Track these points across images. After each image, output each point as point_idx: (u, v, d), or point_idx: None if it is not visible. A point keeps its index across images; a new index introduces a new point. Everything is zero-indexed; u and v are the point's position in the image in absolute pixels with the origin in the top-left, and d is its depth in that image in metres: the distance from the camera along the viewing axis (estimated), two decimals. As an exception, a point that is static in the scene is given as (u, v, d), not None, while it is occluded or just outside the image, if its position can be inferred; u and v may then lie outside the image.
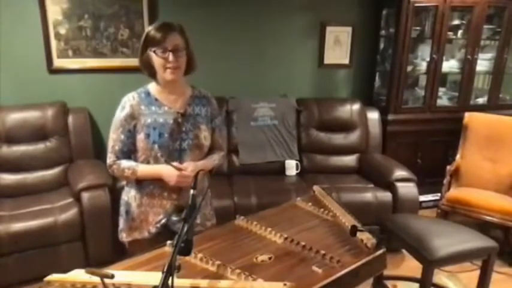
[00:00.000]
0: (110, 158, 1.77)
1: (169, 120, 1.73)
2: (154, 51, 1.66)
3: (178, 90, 1.78)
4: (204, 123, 1.80)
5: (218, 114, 1.91)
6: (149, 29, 1.71)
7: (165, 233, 1.73)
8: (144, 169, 1.73)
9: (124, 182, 1.88)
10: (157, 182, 1.74)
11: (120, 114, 1.75)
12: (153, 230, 1.78)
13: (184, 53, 1.69)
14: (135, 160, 1.77)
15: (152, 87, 1.79)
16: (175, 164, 1.68)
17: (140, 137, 1.72)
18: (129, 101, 1.75)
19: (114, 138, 1.76)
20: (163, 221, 1.77)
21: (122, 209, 1.86)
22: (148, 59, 1.70)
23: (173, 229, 1.74)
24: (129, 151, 1.77)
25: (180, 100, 1.78)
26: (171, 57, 1.64)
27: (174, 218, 1.75)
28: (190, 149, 1.75)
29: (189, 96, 1.81)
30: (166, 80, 1.71)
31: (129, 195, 1.82)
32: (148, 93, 1.77)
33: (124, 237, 1.85)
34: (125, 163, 1.74)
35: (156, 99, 1.76)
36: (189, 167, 1.69)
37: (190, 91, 1.83)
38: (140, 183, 1.78)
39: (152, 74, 1.74)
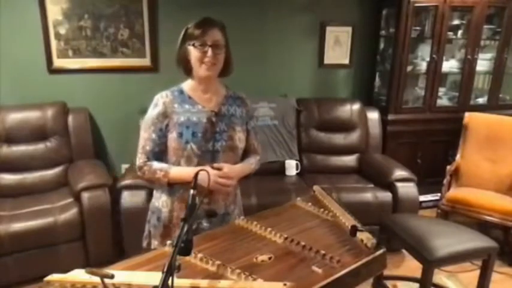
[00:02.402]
0: (140, 159, 1.68)
1: (203, 119, 1.66)
2: (193, 45, 1.61)
3: (213, 89, 1.72)
4: (238, 124, 1.73)
5: (253, 116, 1.85)
6: (189, 25, 1.65)
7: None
8: (177, 171, 1.64)
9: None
10: (188, 186, 1.68)
11: (152, 112, 1.67)
12: None
13: (223, 52, 1.64)
14: (166, 162, 1.70)
15: (186, 85, 1.73)
16: (216, 165, 1.62)
17: (172, 136, 1.65)
18: (161, 99, 1.68)
19: (145, 138, 1.68)
20: (194, 226, 1.68)
21: (153, 216, 1.78)
22: (185, 53, 1.64)
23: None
24: (160, 152, 1.69)
25: (215, 99, 1.72)
26: (209, 52, 1.59)
27: (205, 224, 1.70)
28: (223, 151, 1.68)
29: (224, 96, 1.75)
30: (201, 77, 1.65)
31: (160, 200, 1.75)
32: (181, 91, 1.71)
33: (155, 245, 1.76)
34: (157, 165, 1.67)
35: (190, 98, 1.69)
36: (225, 167, 1.63)
37: (224, 91, 1.77)
38: (171, 187, 1.70)
39: (188, 71, 1.68)
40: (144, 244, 1.82)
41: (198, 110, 1.68)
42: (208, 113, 1.68)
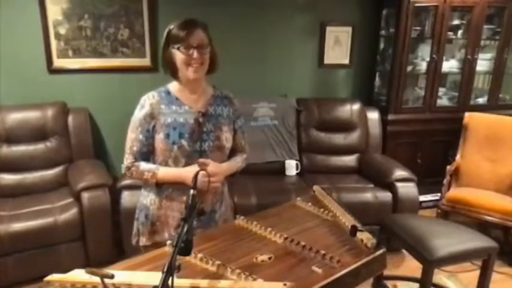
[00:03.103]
0: (127, 160, 1.70)
1: (190, 120, 1.67)
2: (178, 48, 1.61)
3: (200, 90, 1.73)
4: (226, 124, 1.75)
5: (240, 115, 1.86)
6: (171, 26, 1.65)
7: None
8: (165, 172, 1.67)
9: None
10: (176, 185, 1.68)
11: (139, 113, 1.68)
12: (173, 233, 1.71)
13: (208, 51, 1.65)
14: (153, 162, 1.72)
15: (173, 86, 1.73)
16: (202, 160, 1.62)
17: (159, 137, 1.66)
18: (148, 100, 1.69)
19: (132, 138, 1.70)
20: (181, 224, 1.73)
21: (139, 213, 1.80)
22: (170, 56, 1.64)
23: (193, 233, 1.69)
24: (148, 152, 1.71)
25: (202, 100, 1.73)
26: (195, 54, 1.60)
27: (194, 222, 1.72)
28: (211, 151, 1.69)
29: (211, 96, 1.76)
30: (189, 79, 1.66)
31: (148, 198, 1.76)
32: (168, 92, 1.71)
33: (143, 241, 1.78)
34: (144, 165, 1.68)
35: (177, 99, 1.70)
36: (211, 164, 1.63)
37: (211, 91, 1.78)
38: (159, 186, 1.72)
39: (174, 73, 1.69)
40: (134, 242, 1.84)
41: (185, 111, 1.69)
42: (195, 114, 1.69)
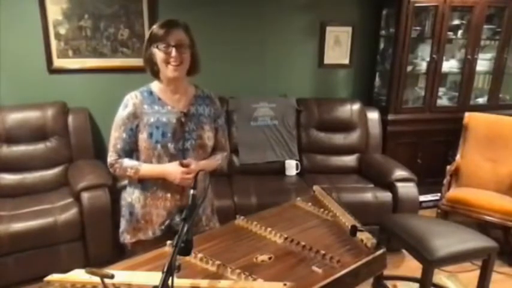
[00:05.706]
0: (111, 157, 1.75)
1: (173, 119, 1.71)
2: (157, 47, 1.65)
3: (182, 90, 1.77)
4: (207, 123, 1.79)
5: (221, 114, 1.91)
6: (154, 26, 1.69)
7: (169, 233, 1.72)
8: (147, 168, 1.71)
9: (126, 182, 1.87)
10: (161, 183, 1.73)
11: (123, 112, 1.74)
12: (158, 231, 1.77)
13: (188, 51, 1.68)
14: (137, 160, 1.76)
15: (155, 86, 1.77)
16: (185, 161, 1.68)
17: (143, 136, 1.71)
18: (131, 99, 1.74)
19: (116, 136, 1.74)
20: (167, 222, 1.77)
21: (125, 211, 1.84)
22: (151, 55, 1.69)
23: (177, 230, 1.73)
24: (130, 150, 1.75)
25: (183, 100, 1.77)
26: (173, 52, 1.63)
27: (178, 219, 1.74)
28: (193, 149, 1.74)
29: (192, 95, 1.80)
30: (169, 77, 1.69)
31: (133, 196, 1.80)
32: (151, 92, 1.76)
33: (128, 238, 1.82)
34: (128, 162, 1.73)
35: (159, 99, 1.74)
36: (192, 164, 1.68)
37: (193, 91, 1.81)
38: (144, 184, 1.76)
39: (155, 72, 1.73)
40: (121, 239, 1.86)
41: (168, 111, 1.73)
42: (177, 114, 1.73)
